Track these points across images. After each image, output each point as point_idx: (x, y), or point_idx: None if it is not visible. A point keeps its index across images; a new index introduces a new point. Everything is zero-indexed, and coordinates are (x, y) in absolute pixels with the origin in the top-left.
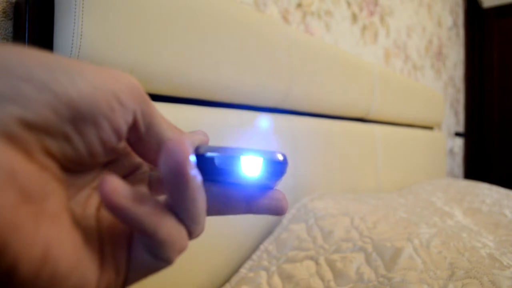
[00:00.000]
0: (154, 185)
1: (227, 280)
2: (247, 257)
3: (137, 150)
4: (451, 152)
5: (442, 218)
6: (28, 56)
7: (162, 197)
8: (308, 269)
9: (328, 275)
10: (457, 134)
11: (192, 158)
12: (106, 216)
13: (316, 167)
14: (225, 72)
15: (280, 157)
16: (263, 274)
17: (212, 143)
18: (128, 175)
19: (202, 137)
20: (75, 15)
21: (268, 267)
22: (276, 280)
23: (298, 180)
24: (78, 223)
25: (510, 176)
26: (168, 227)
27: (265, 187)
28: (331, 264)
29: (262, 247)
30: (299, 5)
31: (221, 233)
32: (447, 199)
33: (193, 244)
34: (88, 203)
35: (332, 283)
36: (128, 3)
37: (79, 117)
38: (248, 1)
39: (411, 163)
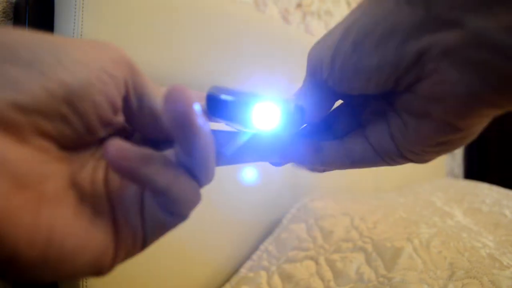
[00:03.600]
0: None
1: (227, 280)
2: (247, 257)
3: (132, 124)
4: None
5: (442, 218)
6: (10, 38)
7: (168, 152)
8: (308, 269)
9: (328, 275)
10: None
11: (197, 106)
12: (114, 183)
13: None
14: (224, 72)
15: (295, 108)
16: (263, 274)
17: None
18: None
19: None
20: (75, 15)
21: (268, 267)
22: (276, 280)
23: (298, 180)
24: (87, 197)
25: (510, 176)
26: (181, 183)
27: (282, 135)
28: (331, 264)
29: (262, 247)
30: (299, 5)
31: (221, 233)
32: (447, 199)
33: (193, 244)
34: (95, 174)
35: (332, 283)
36: (128, 3)
37: (74, 96)
38: (248, 1)
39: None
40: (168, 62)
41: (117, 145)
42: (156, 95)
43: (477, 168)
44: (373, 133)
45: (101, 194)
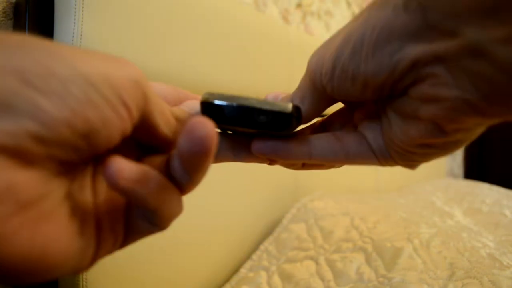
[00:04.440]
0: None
1: (227, 280)
2: (247, 257)
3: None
4: None
5: (442, 218)
6: (41, 62)
7: (160, 159)
8: (308, 269)
9: (328, 275)
10: None
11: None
12: (102, 192)
13: None
14: (225, 72)
15: (290, 109)
16: (263, 274)
17: None
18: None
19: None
20: (75, 15)
21: (268, 267)
22: (276, 280)
23: (298, 180)
24: (77, 208)
25: (510, 176)
26: (170, 203)
27: (279, 136)
28: (331, 264)
29: (262, 247)
30: (299, 5)
31: (221, 233)
32: (447, 199)
33: (193, 244)
34: (84, 182)
35: (332, 283)
36: (128, 3)
37: (94, 133)
38: (248, 1)
39: None
40: (168, 62)
41: (116, 164)
42: (160, 123)
43: (477, 168)
44: (367, 131)
45: (89, 204)
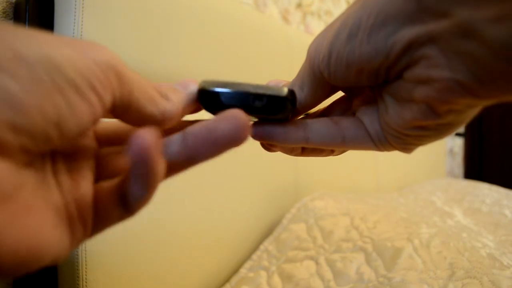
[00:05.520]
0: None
1: (227, 280)
2: (247, 257)
3: (117, 118)
4: (451, 152)
5: (442, 218)
6: (10, 46)
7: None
8: (308, 269)
9: (328, 275)
10: (457, 134)
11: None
12: (67, 183)
13: (316, 167)
14: (225, 72)
15: (285, 93)
16: (263, 274)
17: None
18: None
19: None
20: (75, 15)
21: (268, 267)
22: (276, 280)
23: (298, 180)
24: (47, 197)
25: (510, 176)
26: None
27: (276, 120)
28: (331, 264)
29: (262, 247)
30: (299, 5)
31: (221, 233)
32: (447, 199)
33: (193, 244)
34: (46, 172)
35: (332, 283)
36: (128, 3)
37: (64, 120)
38: (248, 1)
39: (411, 163)
40: (168, 62)
41: (150, 138)
42: (143, 101)
43: (477, 168)
44: (364, 116)
45: (56, 192)
